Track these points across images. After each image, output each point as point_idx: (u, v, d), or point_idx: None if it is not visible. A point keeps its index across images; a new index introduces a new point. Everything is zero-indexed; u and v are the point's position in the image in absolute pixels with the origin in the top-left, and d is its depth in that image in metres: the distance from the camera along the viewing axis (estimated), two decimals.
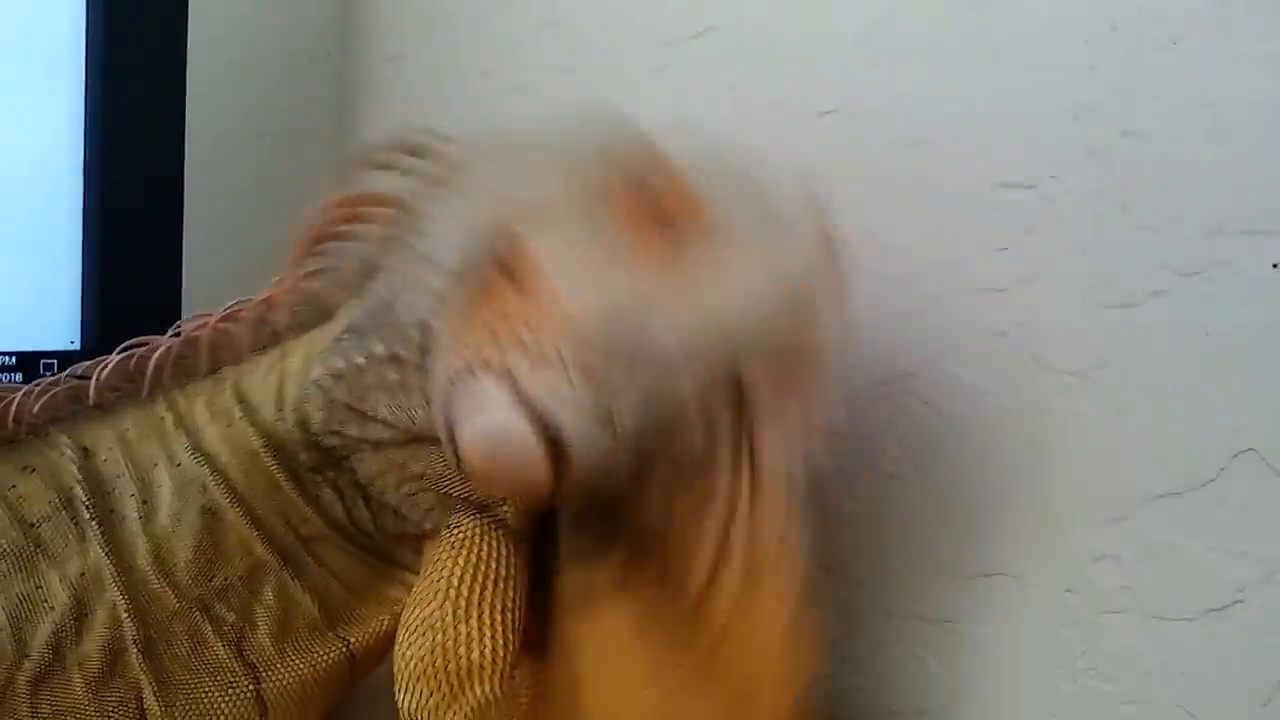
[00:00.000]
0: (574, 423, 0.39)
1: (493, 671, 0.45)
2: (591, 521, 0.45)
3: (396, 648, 0.47)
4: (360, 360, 0.45)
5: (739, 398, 0.42)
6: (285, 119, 0.84)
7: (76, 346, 0.67)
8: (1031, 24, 0.50)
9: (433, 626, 0.46)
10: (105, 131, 0.68)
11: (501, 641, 0.45)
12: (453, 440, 0.42)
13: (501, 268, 0.42)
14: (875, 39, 0.56)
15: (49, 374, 0.54)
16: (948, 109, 0.53)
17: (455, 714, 0.45)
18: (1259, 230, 0.44)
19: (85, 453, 0.46)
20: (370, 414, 0.46)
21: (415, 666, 0.45)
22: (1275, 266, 0.44)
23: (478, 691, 0.45)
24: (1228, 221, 0.45)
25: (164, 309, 0.68)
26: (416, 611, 0.47)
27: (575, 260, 0.41)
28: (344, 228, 0.48)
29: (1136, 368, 0.47)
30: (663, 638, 0.44)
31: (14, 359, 0.65)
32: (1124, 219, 0.48)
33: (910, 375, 0.45)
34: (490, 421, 0.40)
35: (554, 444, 0.40)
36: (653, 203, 0.41)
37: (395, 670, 0.46)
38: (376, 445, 0.46)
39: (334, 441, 0.46)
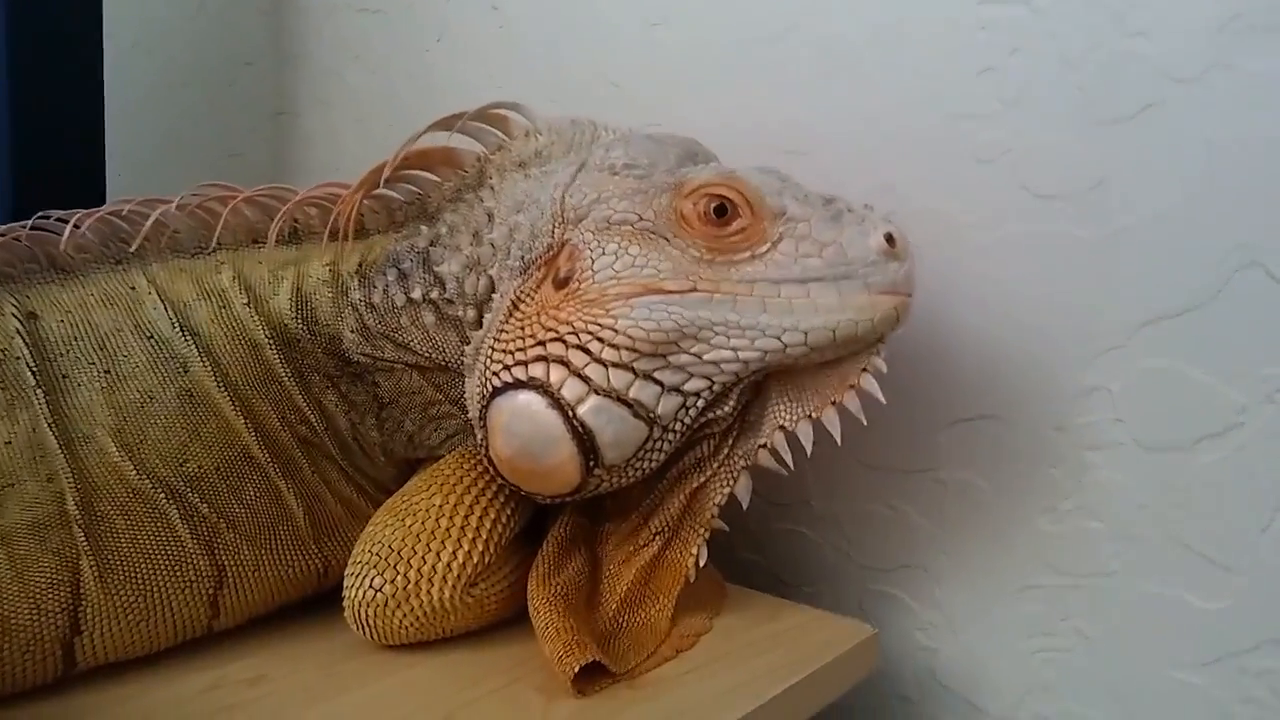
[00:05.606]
0: (610, 427, 0.41)
1: (456, 579, 0.42)
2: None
3: (368, 528, 0.43)
4: (399, 300, 0.45)
5: (749, 407, 0.44)
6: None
7: None
8: None
9: (414, 512, 0.43)
10: (21, 19, 0.62)
11: (479, 549, 0.43)
12: (487, 443, 0.42)
13: (556, 268, 0.43)
14: None
15: None
16: None
17: (403, 615, 0.42)
18: (1266, 26, 0.41)
19: (32, 316, 0.41)
20: (405, 344, 0.46)
21: (377, 551, 0.42)
22: None
23: (432, 595, 0.42)
24: (1232, 17, 0.42)
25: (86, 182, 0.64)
26: (405, 498, 0.44)
27: (630, 274, 0.41)
28: (414, 172, 0.48)
29: (1132, 186, 0.44)
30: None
31: None
32: (1118, 26, 0.44)
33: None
34: (527, 430, 0.41)
35: (589, 449, 0.41)
36: (714, 207, 0.42)
37: (353, 555, 0.43)
38: (412, 367, 0.46)
39: (362, 359, 0.46)
